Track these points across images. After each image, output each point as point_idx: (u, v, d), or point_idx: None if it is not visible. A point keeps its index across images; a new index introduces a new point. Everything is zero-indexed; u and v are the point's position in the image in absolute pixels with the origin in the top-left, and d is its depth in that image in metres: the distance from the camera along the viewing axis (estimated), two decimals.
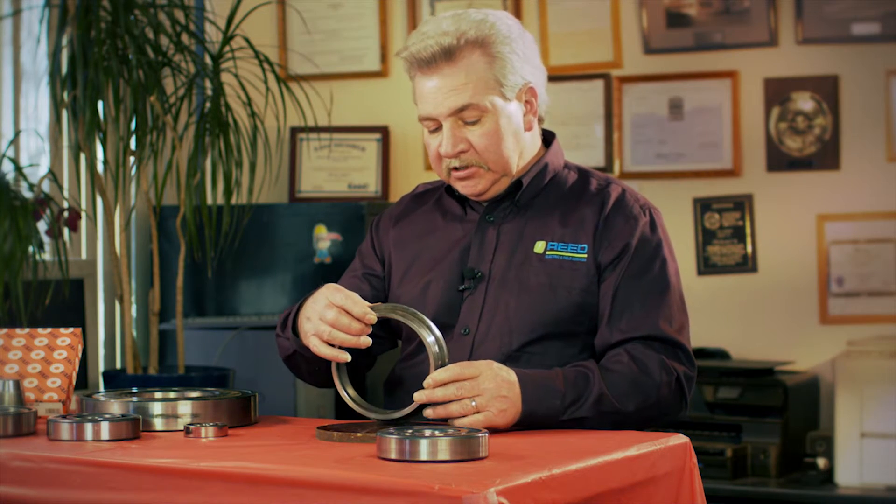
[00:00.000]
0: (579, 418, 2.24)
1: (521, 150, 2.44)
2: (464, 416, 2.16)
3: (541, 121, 2.51)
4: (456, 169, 2.42)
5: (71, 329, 2.57)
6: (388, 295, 2.53)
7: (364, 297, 2.33)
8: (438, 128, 2.42)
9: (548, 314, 2.36)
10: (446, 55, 2.36)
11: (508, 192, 2.46)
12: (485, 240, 2.45)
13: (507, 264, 2.41)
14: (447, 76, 2.37)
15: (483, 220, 2.47)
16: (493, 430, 2.14)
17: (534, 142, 2.50)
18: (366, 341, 2.24)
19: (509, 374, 2.21)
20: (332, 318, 2.23)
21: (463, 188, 2.45)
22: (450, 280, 2.44)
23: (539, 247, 2.41)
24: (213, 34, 4.14)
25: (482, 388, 2.18)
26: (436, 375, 2.18)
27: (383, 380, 2.54)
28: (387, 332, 2.51)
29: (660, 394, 2.30)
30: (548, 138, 2.54)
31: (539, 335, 2.36)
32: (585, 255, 2.38)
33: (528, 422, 2.22)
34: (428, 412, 2.19)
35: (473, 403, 2.17)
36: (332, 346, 2.25)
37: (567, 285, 2.37)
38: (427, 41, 2.37)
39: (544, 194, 2.47)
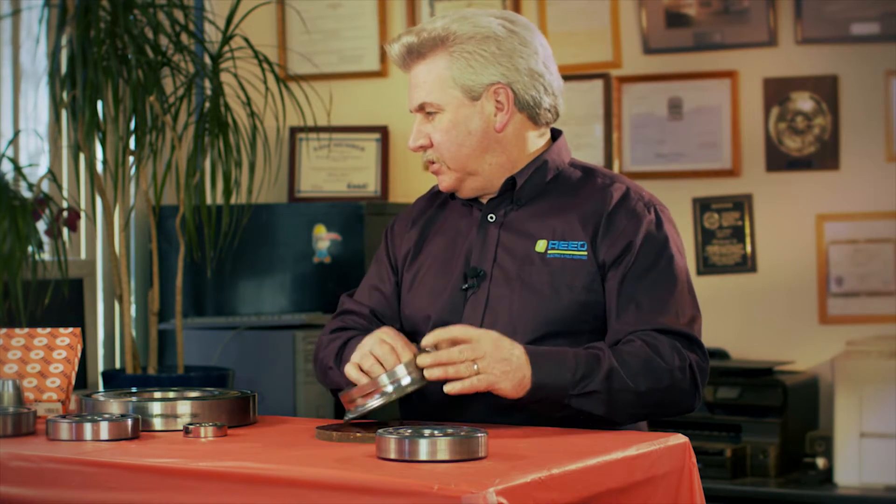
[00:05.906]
0: (590, 392, 2.23)
1: (486, 150, 2.43)
2: (466, 378, 2.16)
3: (547, 123, 2.50)
4: (430, 164, 2.48)
5: (70, 329, 2.57)
6: (400, 297, 2.56)
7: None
8: None
9: (551, 313, 2.36)
10: (411, 54, 2.44)
11: (505, 190, 2.46)
12: (486, 239, 2.46)
13: (508, 263, 2.42)
14: (415, 73, 2.45)
15: (484, 219, 2.48)
16: (508, 401, 2.20)
17: (518, 142, 2.46)
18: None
19: (512, 343, 2.22)
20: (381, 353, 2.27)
21: (439, 184, 2.50)
22: (455, 279, 2.46)
23: (540, 246, 2.41)
24: (212, 34, 4.14)
25: (482, 350, 2.18)
26: (435, 334, 2.20)
27: None
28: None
29: (673, 377, 2.28)
30: (554, 136, 2.54)
31: (542, 334, 2.36)
32: (585, 253, 2.38)
33: (538, 395, 2.22)
34: (428, 366, 2.19)
35: (475, 367, 2.17)
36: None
37: (569, 284, 2.37)
38: (396, 42, 2.45)
39: (546, 192, 2.47)
